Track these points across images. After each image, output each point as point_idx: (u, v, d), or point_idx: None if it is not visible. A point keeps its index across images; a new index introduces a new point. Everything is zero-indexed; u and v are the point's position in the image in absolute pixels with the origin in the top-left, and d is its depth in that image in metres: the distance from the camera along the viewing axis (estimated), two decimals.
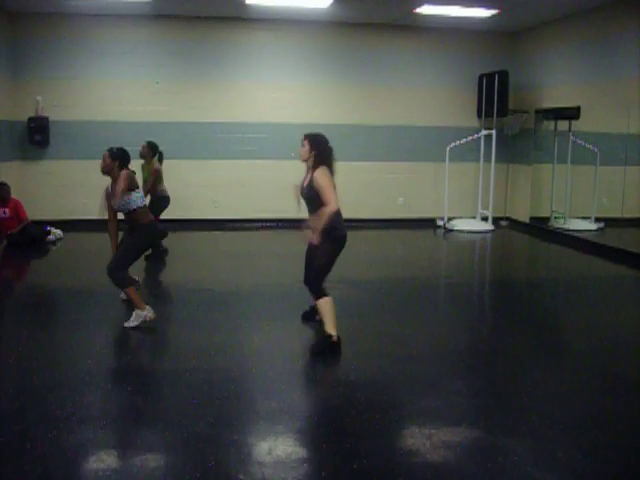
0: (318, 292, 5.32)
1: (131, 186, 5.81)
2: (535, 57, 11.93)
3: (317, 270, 5.36)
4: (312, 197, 5.28)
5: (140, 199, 5.94)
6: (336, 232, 5.24)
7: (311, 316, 5.99)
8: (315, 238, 5.19)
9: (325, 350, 5.26)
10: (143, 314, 5.83)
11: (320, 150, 5.31)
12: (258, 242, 10.75)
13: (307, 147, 5.33)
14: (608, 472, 3.49)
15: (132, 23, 11.09)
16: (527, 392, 4.59)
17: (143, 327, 5.82)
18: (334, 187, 5.23)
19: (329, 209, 5.12)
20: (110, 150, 5.97)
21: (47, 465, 3.42)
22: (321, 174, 5.20)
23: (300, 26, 11.53)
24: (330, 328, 5.27)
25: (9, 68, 10.70)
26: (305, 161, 5.37)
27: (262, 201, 11.77)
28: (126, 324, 5.80)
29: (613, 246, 9.84)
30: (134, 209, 5.86)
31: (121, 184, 5.75)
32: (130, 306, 6.00)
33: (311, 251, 5.50)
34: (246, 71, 11.58)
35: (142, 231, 5.95)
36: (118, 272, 5.80)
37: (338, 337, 5.28)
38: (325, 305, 5.29)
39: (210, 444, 3.69)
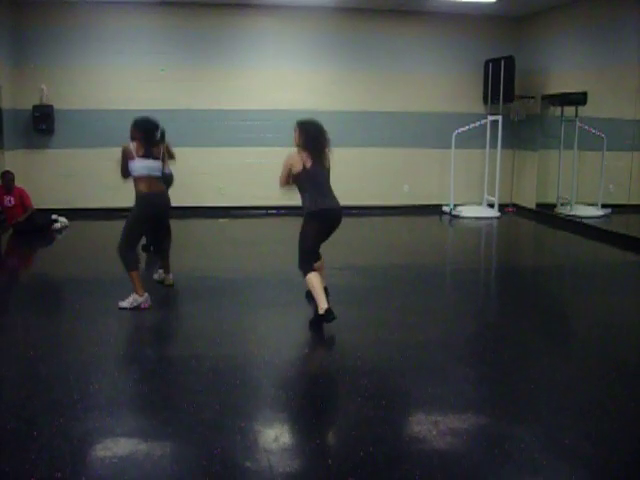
0: (302, 269, 5.65)
1: (127, 156, 6.13)
2: (541, 42, 11.84)
3: (298, 249, 5.72)
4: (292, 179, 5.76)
5: (136, 169, 6.12)
6: (305, 210, 5.70)
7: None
8: None
9: (319, 321, 5.48)
10: (139, 300, 5.97)
11: (305, 135, 5.68)
12: (264, 229, 10.74)
13: (297, 133, 5.73)
14: (615, 459, 3.48)
15: (137, 10, 11.04)
16: (534, 379, 4.58)
17: (149, 316, 5.85)
18: (303, 168, 5.60)
19: (280, 181, 5.80)
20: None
21: (54, 453, 3.42)
22: (289, 155, 5.73)
23: (305, 12, 11.45)
24: (319, 302, 5.48)
25: (13, 56, 10.67)
26: (297, 145, 5.74)
27: (267, 188, 11.68)
28: (120, 303, 5.96)
29: (620, 232, 9.79)
30: (134, 177, 6.18)
31: None
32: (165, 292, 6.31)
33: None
34: (251, 58, 11.53)
35: (135, 201, 6.20)
36: (120, 250, 6.03)
37: (329, 308, 5.42)
38: (309, 280, 5.57)
39: (216, 431, 3.69)
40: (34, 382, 4.39)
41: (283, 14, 11.43)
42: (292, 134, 5.79)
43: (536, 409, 4.07)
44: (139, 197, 6.14)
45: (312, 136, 5.69)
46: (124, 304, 5.95)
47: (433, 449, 3.57)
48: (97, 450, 3.51)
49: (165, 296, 6.39)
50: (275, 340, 5.35)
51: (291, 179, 5.75)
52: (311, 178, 5.66)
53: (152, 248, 7.73)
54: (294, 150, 5.71)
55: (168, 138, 8.09)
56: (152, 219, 6.29)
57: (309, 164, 5.62)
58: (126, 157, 6.11)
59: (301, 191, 5.77)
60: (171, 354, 5.09)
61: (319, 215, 5.67)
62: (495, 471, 3.36)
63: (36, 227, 9.61)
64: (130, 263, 6.00)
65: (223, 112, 11.55)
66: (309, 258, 5.69)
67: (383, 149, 12.13)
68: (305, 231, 5.73)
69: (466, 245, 10.14)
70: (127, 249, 6.03)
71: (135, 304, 5.95)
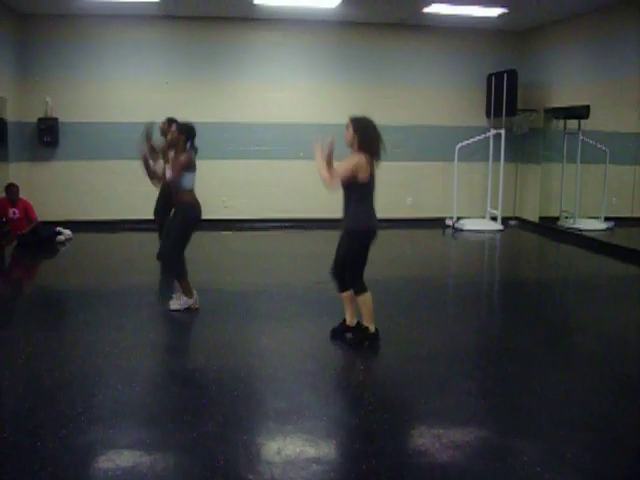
0: (355, 287, 5.38)
1: (188, 167, 6.11)
2: (544, 56, 11.89)
3: (348, 268, 5.37)
4: (345, 184, 5.16)
5: (191, 182, 6.18)
6: (359, 226, 5.22)
7: (339, 334, 5.64)
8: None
9: (362, 341, 5.40)
10: (190, 301, 6.31)
11: (363, 133, 5.15)
12: (267, 242, 10.75)
13: (351, 130, 5.17)
14: (617, 473, 3.47)
15: (141, 24, 11.13)
16: (536, 392, 4.58)
17: (152, 328, 5.87)
18: (369, 176, 5.13)
19: (326, 174, 5.01)
20: (176, 122, 6.51)
21: (57, 464, 3.43)
22: (350, 158, 5.11)
23: (308, 26, 11.53)
24: (367, 321, 5.39)
25: (19, 69, 10.75)
26: (349, 146, 5.23)
27: (271, 201, 11.78)
28: (171, 305, 6.34)
29: (623, 245, 9.79)
30: (181, 188, 6.14)
31: (181, 163, 6.08)
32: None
33: (341, 245, 5.44)
34: (255, 71, 11.59)
35: (182, 210, 6.22)
36: (171, 259, 6.27)
37: (376, 329, 5.42)
38: (362, 301, 5.37)
39: (219, 444, 3.70)
40: (38, 394, 4.40)
41: (287, 28, 11.50)
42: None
43: (538, 422, 4.06)
44: (190, 206, 6.22)
45: (375, 137, 5.19)
46: (175, 306, 6.31)
47: (436, 462, 3.57)
48: (100, 462, 3.52)
49: (167, 309, 6.39)
50: (278, 353, 5.35)
51: (346, 186, 5.17)
52: (372, 189, 5.22)
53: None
54: (359, 156, 5.11)
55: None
56: (197, 226, 6.37)
57: (371, 172, 5.16)
58: (190, 166, 6.14)
59: (357, 202, 5.21)
60: (174, 366, 5.09)
61: (373, 234, 5.25)
62: None
63: (40, 239, 9.64)
64: (182, 271, 6.26)
65: (227, 125, 11.60)
66: (361, 276, 5.38)
67: (386, 162, 12.04)
68: (357, 250, 5.26)
69: (469, 258, 10.14)
70: (180, 258, 6.24)
71: (186, 305, 6.30)
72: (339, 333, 5.62)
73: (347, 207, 5.25)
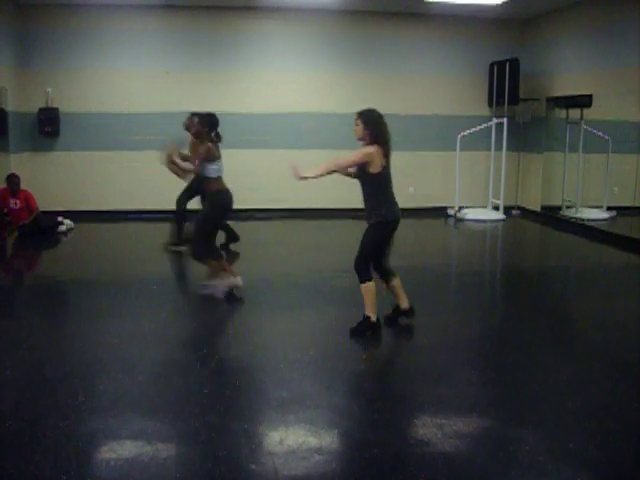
0: (360, 276, 5.32)
1: (208, 158, 6.17)
2: (546, 44, 11.83)
3: (358, 254, 5.35)
4: (360, 176, 5.30)
5: (217, 170, 6.24)
6: (379, 218, 5.28)
7: (395, 319, 5.72)
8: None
9: (364, 331, 5.35)
10: (225, 282, 6.36)
11: (374, 127, 5.19)
12: (268, 232, 10.74)
13: (361, 125, 5.21)
14: (620, 462, 3.47)
15: (142, 13, 11.08)
16: (538, 381, 4.57)
17: (153, 318, 5.87)
18: (383, 167, 5.24)
19: (335, 160, 5.28)
20: (199, 115, 6.64)
21: (58, 455, 3.43)
22: (364, 149, 5.18)
23: (310, 15, 11.47)
24: (369, 310, 5.34)
25: (19, 59, 10.72)
26: (361, 140, 5.27)
27: (272, 191, 11.75)
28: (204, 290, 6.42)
29: (625, 235, 9.77)
30: (207, 177, 6.25)
31: (200, 155, 6.21)
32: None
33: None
34: (256, 61, 11.54)
35: (210, 198, 6.39)
36: (196, 247, 6.33)
37: (378, 318, 5.37)
38: (366, 289, 5.32)
39: (221, 434, 3.69)
40: (39, 384, 4.40)
41: (287, 16, 11.44)
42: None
43: (541, 412, 4.06)
44: (217, 194, 6.29)
45: (385, 129, 5.24)
46: (210, 290, 6.35)
47: (438, 452, 3.57)
48: (102, 452, 3.52)
49: (169, 299, 6.39)
50: (280, 342, 5.34)
51: (361, 178, 5.33)
52: (388, 180, 5.33)
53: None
54: (371, 147, 5.16)
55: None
56: (229, 213, 6.50)
57: (385, 163, 5.24)
58: (209, 158, 6.18)
59: (374, 194, 5.35)
60: (176, 356, 5.08)
61: (393, 224, 5.42)
62: (500, 474, 3.35)
63: (41, 229, 9.63)
64: (203, 256, 6.32)
65: (227, 114, 11.51)
66: (369, 265, 5.39)
67: None
68: (374, 238, 5.34)
69: (471, 248, 10.12)
70: (199, 245, 6.29)
71: (222, 287, 6.35)
72: (394, 320, 5.69)
73: (367, 200, 5.35)
